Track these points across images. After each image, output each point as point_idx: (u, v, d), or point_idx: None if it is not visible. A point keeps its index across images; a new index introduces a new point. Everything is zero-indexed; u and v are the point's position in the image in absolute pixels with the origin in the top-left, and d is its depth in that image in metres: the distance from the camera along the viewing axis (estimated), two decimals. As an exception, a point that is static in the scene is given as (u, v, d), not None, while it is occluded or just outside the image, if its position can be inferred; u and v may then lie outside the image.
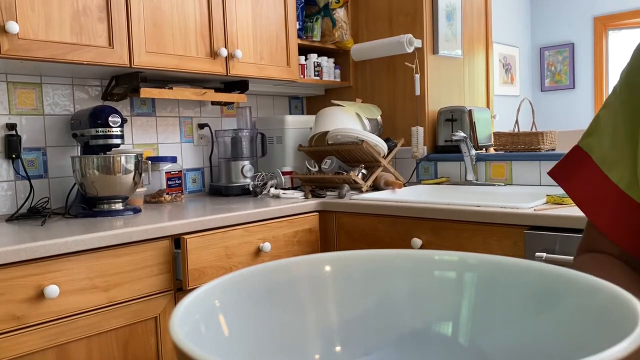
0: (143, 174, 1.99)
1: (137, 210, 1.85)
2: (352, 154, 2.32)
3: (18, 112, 1.92)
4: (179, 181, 2.21)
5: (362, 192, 2.20)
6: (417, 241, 1.79)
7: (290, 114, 2.89)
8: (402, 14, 2.56)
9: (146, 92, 1.99)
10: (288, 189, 2.33)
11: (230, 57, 2.11)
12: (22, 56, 1.58)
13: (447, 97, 2.64)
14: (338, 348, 0.38)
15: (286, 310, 0.38)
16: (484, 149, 2.50)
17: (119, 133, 1.86)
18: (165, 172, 2.16)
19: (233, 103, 2.52)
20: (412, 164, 2.54)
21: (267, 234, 1.83)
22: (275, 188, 2.31)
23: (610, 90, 0.66)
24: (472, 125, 2.41)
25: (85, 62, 1.71)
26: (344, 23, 2.63)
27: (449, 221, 1.73)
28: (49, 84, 1.99)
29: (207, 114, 2.50)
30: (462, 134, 2.25)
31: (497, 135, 2.37)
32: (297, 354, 0.37)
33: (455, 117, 2.44)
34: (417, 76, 2.43)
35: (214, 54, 2.06)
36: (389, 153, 2.35)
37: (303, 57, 2.54)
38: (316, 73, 2.60)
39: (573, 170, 0.62)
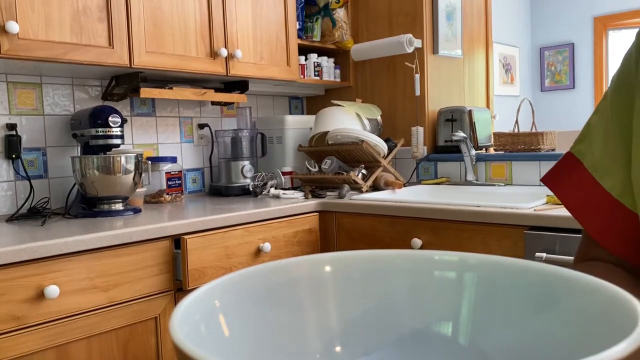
0: (143, 174, 1.99)
1: (137, 211, 1.85)
2: (352, 154, 2.32)
3: (18, 112, 1.92)
4: (179, 181, 2.21)
5: (362, 192, 2.20)
6: (417, 241, 1.79)
7: (290, 114, 2.89)
8: (402, 14, 2.56)
9: (146, 92, 1.99)
10: (288, 189, 2.33)
11: (230, 57, 2.11)
12: (22, 56, 1.58)
13: (447, 97, 2.64)
14: (338, 348, 0.38)
15: (286, 310, 0.38)
16: (484, 149, 2.50)
17: (119, 133, 1.86)
18: (165, 172, 2.16)
19: (233, 103, 2.52)
20: (412, 164, 2.54)
21: (267, 234, 1.83)
22: (275, 188, 2.31)
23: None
24: (472, 125, 2.41)
25: (85, 62, 1.71)
26: (344, 23, 2.63)
27: (449, 221, 1.73)
28: (49, 84, 1.99)
29: (207, 114, 2.50)
30: (462, 134, 2.25)
31: (497, 135, 2.37)
32: (297, 354, 0.37)
33: (455, 117, 2.44)
34: (417, 76, 2.43)
35: (214, 54, 2.06)
36: (389, 153, 2.35)
37: (303, 57, 2.54)
38: (316, 73, 2.60)
39: (565, 176, 0.63)
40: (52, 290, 1.32)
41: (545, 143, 2.23)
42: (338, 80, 2.72)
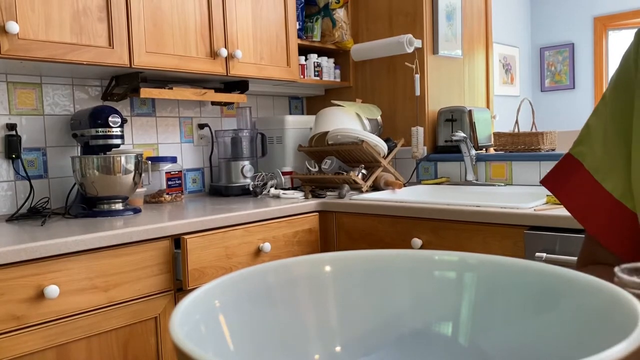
0: (143, 174, 1.99)
1: (137, 211, 1.85)
2: (352, 154, 2.32)
3: (18, 112, 1.92)
4: (179, 181, 2.21)
5: (362, 192, 2.20)
6: (417, 241, 1.79)
7: (290, 114, 2.89)
8: (402, 14, 2.56)
9: (146, 92, 1.99)
10: (288, 189, 2.33)
11: (230, 57, 2.11)
12: (22, 56, 1.58)
13: (447, 97, 2.64)
14: (338, 348, 0.38)
15: (286, 310, 0.38)
16: (484, 149, 2.50)
17: (119, 133, 1.86)
18: (165, 172, 2.16)
19: (233, 103, 2.52)
20: (412, 164, 2.54)
21: (267, 234, 1.83)
22: (275, 188, 2.31)
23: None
24: (472, 125, 2.41)
25: (85, 62, 1.71)
26: (344, 23, 2.63)
27: (449, 221, 1.73)
28: (49, 84, 1.99)
29: (207, 114, 2.50)
30: (462, 134, 2.25)
31: (497, 135, 2.37)
32: (297, 354, 0.37)
33: (455, 117, 2.44)
34: (417, 76, 2.43)
35: (214, 54, 2.06)
36: (389, 153, 2.35)
37: (303, 57, 2.54)
38: (316, 73, 2.60)
39: (565, 178, 0.63)
40: (52, 290, 1.32)
41: (545, 143, 2.23)
42: (338, 80, 2.72)
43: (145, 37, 1.86)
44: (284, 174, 2.39)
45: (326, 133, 2.32)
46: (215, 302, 0.34)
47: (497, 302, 0.37)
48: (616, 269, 0.36)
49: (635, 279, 0.35)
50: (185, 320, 0.30)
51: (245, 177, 2.36)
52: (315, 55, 2.60)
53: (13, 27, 1.53)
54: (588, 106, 4.85)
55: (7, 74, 1.88)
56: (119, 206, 1.84)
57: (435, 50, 2.54)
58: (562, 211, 1.53)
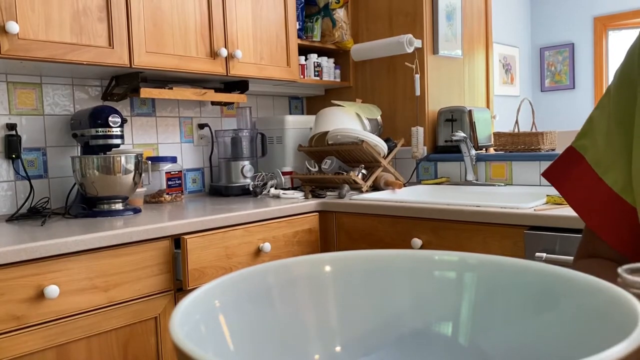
0: (143, 174, 1.99)
1: (137, 211, 1.85)
2: (352, 154, 2.32)
3: (18, 112, 1.92)
4: (179, 181, 2.21)
5: (362, 192, 2.20)
6: (417, 241, 1.79)
7: (290, 114, 2.89)
8: (402, 14, 2.56)
9: (146, 92, 1.99)
10: (288, 189, 2.33)
11: (230, 57, 2.11)
12: (22, 56, 1.58)
13: (447, 97, 2.64)
14: (338, 348, 0.38)
15: (286, 310, 0.38)
16: (484, 149, 2.50)
17: (119, 133, 1.86)
18: (165, 172, 2.16)
19: (233, 103, 2.52)
20: (412, 164, 2.54)
21: (267, 234, 1.84)
22: (275, 188, 2.31)
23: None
24: (472, 125, 2.41)
25: (85, 62, 1.71)
26: (344, 23, 2.63)
27: (449, 221, 1.73)
28: (49, 84, 1.99)
29: (207, 114, 2.50)
30: (462, 134, 2.25)
31: (497, 135, 2.37)
32: (297, 354, 0.37)
33: (455, 117, 2.44)
34: (417, 76, 2.43)
35: (214, 54, 2.06)
36: (389, 153, 2.35)
37: (303, 57, 2.54)
38: (316, 73, 2.60)
39: (567, 171, 0.63)
40: (52, 290, 1.32)
41: (545, 143, 2.23)
42: (338, 80, 2.72)
43: (145, 37, 1.86)
44: (284, 174, 2.39)
45: (326, 133, 2.32)
46: (215, 302, 0.34)
47: (497, 302, 0.37)
48: (619, 270, 0.36)
49: (638, 279, 0.35)
50: (185, 320, 0.30)
51: (245, 177, 2.36)
52: (315, 55, 2.60)
53: (13, 27, 1.53)
54: (588, 106, 4.85)
55: (7, 74, 1.88)
56: (119, 206, 1.84)
57: (435, 50, 2.54)
58: (562, 211, 1.53)
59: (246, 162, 2.36)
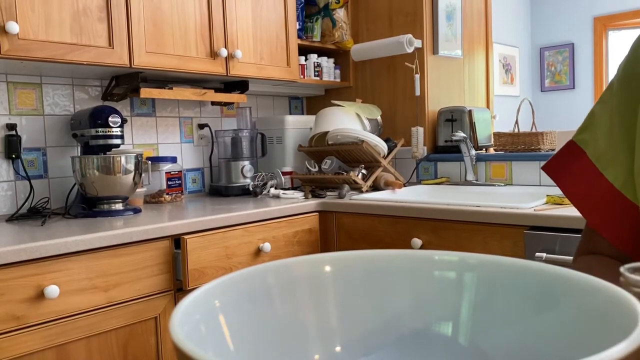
0: (143, 174, 1.99)
1: (137, 211, 1.85)
2: (352, 154, 2.32)
3: (18, 112, 1.92)
4: (179, 181, 2.21)
5: (362, 192, 2.20)
6: (417, 241, 1.79)
7: (290, 114, 2.89)
8: (402, 14, 2.56)
9: (146, 92, 1.99)
10: (288, 189, 2.33)
11: (230, 57, 2.11)
12: (22, 56, 1.58)
13: (447, 97, 2.64)
14: (338, 348, 0.38)
15: (286, 310, 0.38)
16: (484, 149, 2.50)
17: (119, 133, 1.86)
18: (165, 172, 2.16)
19: (233, 103, 2.52)
20: (412, 164, 2.54)
21: (267, 234, 1.84)
22: (275, 188, 2.31)
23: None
24: (472, 125, 2.41)
25: (85, 63, 1.71)
26: (344, 23, 2.63)
27: (449, 221, 1.73)
28: (49, 84, 1.99)
29: (207, 114, 2.50)
30: (462, 134, 2.25)
31: (497, 135, 2.37)
32: (297, 354, 0.37)
33: (455, 117, 2.44)
34: (417, 76, 2.43)
35: (214, 54, 2.06)
36: (389, 153, 2.35)
37: (303, 58, 2.54)
38: (316, 73, 2.60)
39: (567, 165, 0.62)
40: (52, 290, 1.32)
41: (545, 143, 2.23)
42: (338, 80, 2.72)
43: (145, 37, 1.86)
44: (284, 174, 2.39)
45: (326, 133, 2.32)
46: (215, 302, 0.34)
47: (497, 302, 0.37)
48: (621, 269, 0.36)
49: None
50: (185, 320, 0.30)
51: (245, 177, 2.36)
52: (315, 55, 2.60)
53: (13, 27, 1.53)
54: (588, 106, 4.85)
55: (7, 74, 1.88)
56: (119, 206, 1.84)
57: (435, 50, 2.54)
58: (562, 211, 1.53)
59: (246, 162, 2.36)
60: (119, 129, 1.86)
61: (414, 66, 2.46)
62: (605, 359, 0.22)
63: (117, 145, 1.88)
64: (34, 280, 1.32)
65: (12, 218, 1.74)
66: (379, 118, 2.50)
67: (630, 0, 4.56)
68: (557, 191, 1.90)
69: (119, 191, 1.81)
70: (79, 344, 1.41)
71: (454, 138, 2.25)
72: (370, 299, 0.40)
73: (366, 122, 2.39)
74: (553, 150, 2.28)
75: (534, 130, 2.35)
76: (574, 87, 4.93)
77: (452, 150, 2.43)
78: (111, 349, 1.47)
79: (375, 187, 2.31)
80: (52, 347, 1.36)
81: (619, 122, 0.57)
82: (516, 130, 2.39)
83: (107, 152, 1.88)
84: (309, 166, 2.37)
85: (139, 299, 1.53)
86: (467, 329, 0.37)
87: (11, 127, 1.88)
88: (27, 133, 1.93)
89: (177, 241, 1.63)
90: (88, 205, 1.83)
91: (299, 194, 2.17)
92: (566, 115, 4.95)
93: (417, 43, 2.42)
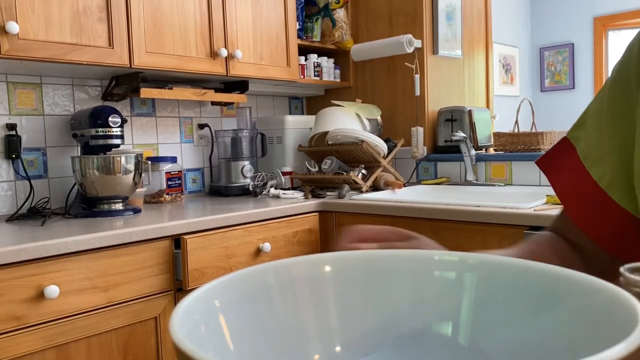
0: (143, 174, 1.99)
1: (137, 211, 1.85)
2: (352, 154, 2.32)
3: (18, 112, 1.92)
4: (179, 181, 2.21)
5: (362, 192, 2.20)
6: (417, 241, 1.79)
7: (290, 114, 2.89)
8: (402, 14, 2.56)
9: (146, 93, 1.99)
10: (288, 189, 2.33)
11: (230, 57, 2.11)
12: (22, 56, 1.58)
13: (447, 98, 2.64)
14: (338, 348, 0.38)
15: (286, 310, 0.38)
16: (484, 149, 2.50)
17: (119, 133, 1.86)
18: (165, 172, 2.16)
19: (233, 103, 2.52)
20: (412, 164, 2.54)
21: (267, 234, 1.83)
22: (275, 188, 2.31)
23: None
24: (472, 125, 2.41)
25: (85, 63, 1.71)
26: (344, 23, 2.63)
27: (449, 221, 1.73)
28: (49, 84, 1.99)
29: (207, 114, 2.50)
30: (462, 134, 2.25)
31: (497, 135, 2.37)
32: (297, 354, 0.37)
33: (455, 117, 2.44)
34: (417, 76, 2.43)
35: (214, 54, 2.06)
36: (388, 153, 2.35)
37: (303, 58, 2.54)
38: (316, 73, 2.60)
39: (558, 161, 0.63)
40: (52, 290, 1.32)
41: (545, 143, 2.23)
42: (338, 80, 2.72)
43: (145, 37, 1.86)
44: (284, 174, 2.39)
45: (326, 133, 2.32)
46: (215, 302, 0.34)
47: (497, 302, 0.37)
48: (621, 269, 0.36)
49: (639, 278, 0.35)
50: (185, 320, 0.30)
51: (245, 177, 2.36)
52: (315, 55, 2.60)
53: (13, 27, 1.53)
54: (588, 106, 4.84)
55: (7, 74, 1.88)
56: (119, 206, 1.84)
57: (435, 50, 2.54)
58: (562, 211, 1.53)
59: (246, 162, 2.36)
60: (119, 129, 1.86)
61: (414, 66, 2.46)
62: (605, 359, 0.22)
63: (117, 145, 1.88)
64: (34, 280, 1.31)
65: (12, 218, 1.74)
66: (379, 118, 2.50)
67: (630, 0, 4.56)
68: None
69: (119, 191, 1.81)
70: (79, 344, 1.41)
71: (454, 138, 2.25)
72: (370, 299, 0.40)
73: (366, 122, 2.39)
74: (553, 150, 2.27)
75: (533, 130, 2.35)
76: (573, 87, 4.93)
77: (452, 150, 2.43)
78: (111, 349, 1.47)
79: (375, 187, 2.31)
80: (52, 347, 1.36)
81: (609, 121, 0.57)
82: (516, 130, 2.39)
83: (107, 152, 1.88)
84: (309, 166, 2.37)
85: (139, 299, 1.53)
86: (467, 329, 0.37)
87: (11, 127, 1.88)
88: (27, 133, 1.93)
89: (177, 241, 1.63)
90: (88, 205, 1.83)
91: (299, 194, 2.17)
92: (566, 116, 4.94)
93: (417, 43, 2.42)
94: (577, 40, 4.88)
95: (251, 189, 2.29)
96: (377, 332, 0.39)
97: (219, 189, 2.38)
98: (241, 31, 2.16)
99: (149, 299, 1.55)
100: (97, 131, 1.83)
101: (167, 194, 2.15)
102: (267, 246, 1.81)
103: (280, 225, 1.88)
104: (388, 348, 0.38)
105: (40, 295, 1.32)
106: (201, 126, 2.46)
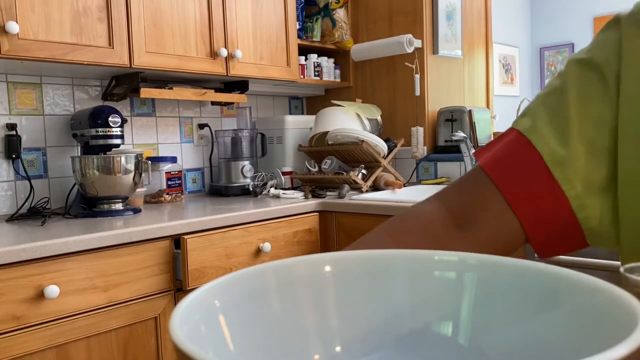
0: (143, 174, 1.99)
1: (137, 211, 1.85)
2: (352, 154, 2.32)
3: (18, 112, 1.92)
4: (179, 181, 2.21)
5: (362, 192, 2.20)
6: (417, 241, 1.79)
7: (290, 114, 2.89)
8: (402, 14, 2.56)
9: (146, 92, 1.99)
10: (288, 189, 2.33)
11: (230, 57, 2.11)
12: (22, 56, 1.58)
13: (447, 97, 2.64)
14: (338, 348, 0.38)
15: (286, 310, 0.38)
16: (484, 149, 2.50)
17: (119, 133, 1.86)
18: (165, 172, 2.16)
19: (233, 103, 2.52)
20: (412, 164, 2.54)
21: (267, 234, 1.83)
22: (275, 188, 2.31)
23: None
24: (472, 125, 2.41)
25: (85, 63, 1.71)
26: (344, 23, 2.63)
27: (449, 221, 1.73)
28: (49, 84, 1.99)
29: (207, 114, 2.50)
30: (462, 134, 2.25)
31: (497, 135, 2.37)
32: (297, 354, 0.37)
33: (455, 117, 2.44)
34: (417, 76, 2.43)
35: (214, 54, 2.06)
36: (389, 153, 2.35)
37: (303, 58, 2.54)
38: (316, 73, 2.60)
39: (519, 170, 0.57)
40: (52, 290, 1.32)
41: (545, 143, 2.23)
42: (338, 80, 2.72)
43: (145, 37, 1.86)
44: (284, 174, 2.39)
45: (326, 133, 2.32)
46: (215, 302, 0.34)
47: (497, 302, 0.37)
48: (621, 269, 0.36)
49: (639, 278, 0.35)
50: (185, 320, 0.30)
51: (245, 177, 2.36)
52: (315, 55, 2.60)
53: (13, 27, 1.53)
54: (588, 106, 4.85)
55: (7, 74, 1.88)
56: (119, 206, 1.84)
57: (435, 50, 2.54)
58: (562, 211, 1.53)
59: (246, 162, 2.36)
60: (119, 129, 1.86)
61: (414, 66, 2.46)
62: (605, 359, 0.22)
63: (117, 145, 1.88)
64: (34, 280, 1.31)
65: (12, 218, 1.74)
66: (379, 118, 2.50)
67: (630, 0, 4.55)
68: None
69: (119, 191, 1.81)
70: (79, 344, 1.41)
71: (454, 138, 2.25)
72: (370, 299, 0.40)
73: (366, 122, 2.39)
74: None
75: (534, 130, 2.34)
76: (574, 87, 4.92)
77: (452, 150, 2.43)
78: (111, 349, 1.47)
79: (375, 187, 2.31)
80: (52, 347, 1.36)
81: (576, 121, 0.54)
82: (516, 130, 2.38)
83: (107, 152, 1.88)
84: (309, 166, 2.37)
85: (139, 299, 1.53)
86: (467, 329, 0.37)
87: (11, 127, 1.88)
88: (27, 133, 1.93)
89: (177, 241, 1.63)
90: (88, 205, 1.83)
91: (299, 194, 2.17)
92: (566, 115, 4.94)
93: (417, 43, 2.42)
94: (577, 40, 4.88)
95: (251, 189, 2.29)
96: (377, 332, 0.39)
97: (219, 189, 2.38)
98: (241, 31, 2.16)
99: (149, 299, 1.55)
100: (97, 131, 1.83)
101: (167, 194, 2.15)
102: (267, 246, 1.81)
103: (280, 225, 1.88)
104: (388, 348, 0.38)
105: (40, 295, 1.32)
106: (201, 126, 2.46)
